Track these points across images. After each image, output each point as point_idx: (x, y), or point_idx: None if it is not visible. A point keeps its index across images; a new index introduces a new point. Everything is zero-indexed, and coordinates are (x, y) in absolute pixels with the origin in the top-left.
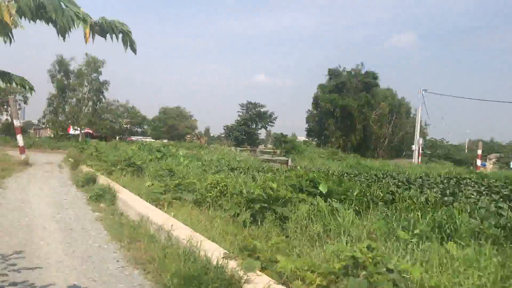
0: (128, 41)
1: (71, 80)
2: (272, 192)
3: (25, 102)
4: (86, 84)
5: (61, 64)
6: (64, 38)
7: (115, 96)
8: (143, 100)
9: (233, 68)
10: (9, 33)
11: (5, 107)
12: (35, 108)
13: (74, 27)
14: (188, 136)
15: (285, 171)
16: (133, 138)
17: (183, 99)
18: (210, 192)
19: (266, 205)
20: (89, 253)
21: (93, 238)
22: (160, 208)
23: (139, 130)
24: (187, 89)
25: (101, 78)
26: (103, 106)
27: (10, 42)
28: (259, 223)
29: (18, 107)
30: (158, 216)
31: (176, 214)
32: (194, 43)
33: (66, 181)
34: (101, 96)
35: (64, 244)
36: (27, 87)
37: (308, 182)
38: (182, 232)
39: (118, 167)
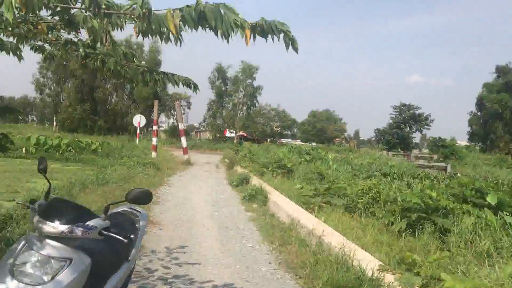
0: (289, 41)
1: (228, 87)
2: (431, 201)
3: (189, 107)
4: (241, 89)
5: (220, 72)
6: (228, 41)
7: (268, 100)
8: (294, 103)
9: (385, 69)
10: (179, 36)
11: (172, 112)
12: (196, 113)
13: (233, 33)
14: (337, 139)
15: (445, 179)
16: (283, 140)
17: (332, 102)
18: (362, 198)
19: (424, 215)
20: (242, 253)
21: (246, 238)
22: (310, 212)
23: (289, 133)
24: (337, 92)
25: (255, 84)
26: (256, 110)
27: (180, 43)
28: (416, 234)
29: (182, 111)
30: (308, 220)
31: (326, 219)
32: (344, 45)
33: (222, 181)
34: (254, 101)
35: (220, 242)
36: (192, 85)
37: (473, 191)
38: (333, 238)
39: (269, 169)
